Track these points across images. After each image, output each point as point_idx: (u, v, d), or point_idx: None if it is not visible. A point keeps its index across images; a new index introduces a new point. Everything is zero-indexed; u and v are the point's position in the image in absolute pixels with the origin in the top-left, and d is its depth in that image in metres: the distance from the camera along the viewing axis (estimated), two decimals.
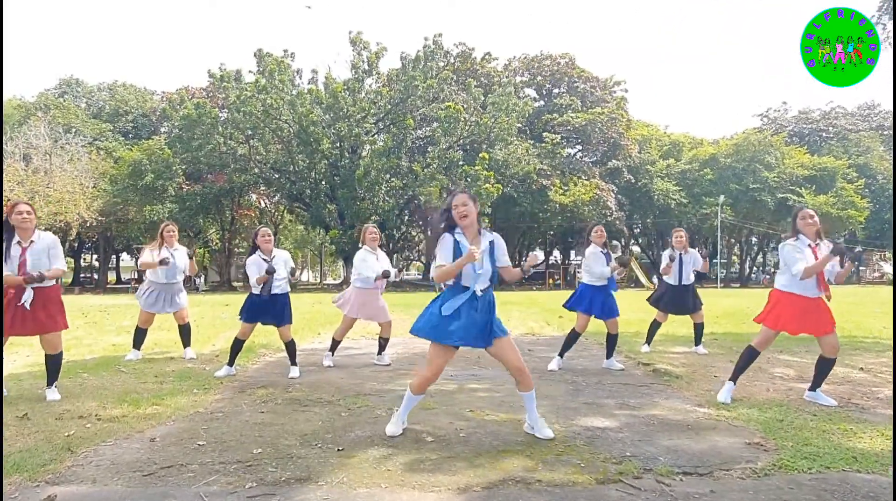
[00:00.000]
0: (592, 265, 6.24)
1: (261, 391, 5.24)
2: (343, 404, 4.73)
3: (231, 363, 5.99)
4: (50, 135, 39.41)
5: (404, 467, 3.26)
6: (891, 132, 54.72)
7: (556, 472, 3.16)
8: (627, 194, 47.39)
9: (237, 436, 3.81)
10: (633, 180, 46.59)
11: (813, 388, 4.82)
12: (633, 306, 17.49)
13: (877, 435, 3.79)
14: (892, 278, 37.72)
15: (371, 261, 6.48)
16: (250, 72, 38.09)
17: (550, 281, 46.30)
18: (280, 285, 5.83)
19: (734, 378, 4.87)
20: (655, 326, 7.69)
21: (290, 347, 5.99)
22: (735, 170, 46.85)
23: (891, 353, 7.47)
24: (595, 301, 6.20)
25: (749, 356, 4.83)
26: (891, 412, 4.42)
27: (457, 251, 3.65)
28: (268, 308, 5.79)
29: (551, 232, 46.95)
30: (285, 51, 38.08)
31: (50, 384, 4.92)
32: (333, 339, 6.75)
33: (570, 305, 6.44)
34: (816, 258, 4.47)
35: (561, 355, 6.43)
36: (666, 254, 7.60)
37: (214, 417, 4.33)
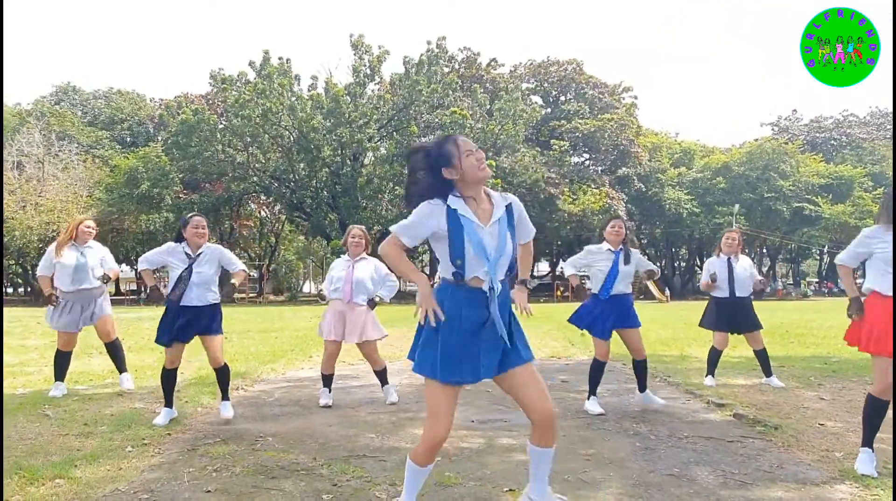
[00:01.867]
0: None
1: (219, 448, 3.86)
2: (326, 474, 3.36)
3: (169, 404, 4.62)
4: (44, 142, 38.32)
5: None
6: None
7: None
8: (637, 202, 46.05)
9: None
10: (644, 189, 45.25)
11: None
12: (658, 320, 16.08)
13: None
14: (893, 290, 36.27)
15: (339, 269, 5.18)
16: (248, 79, 36.93)
17: (558, 293, 44.84)
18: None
19: (868, 442, 3.49)
20: (715, 353, 6.27)
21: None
22: (749, 178, 45.50)
23: None
24: (606, 315, 4.87)
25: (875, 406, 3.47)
26: None
27: (455, 226, 2.33)
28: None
29: (559, 242, 45.56)
30: (280, 58, 36.78)
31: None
32: (322, 373, 5.36)
33: (573, 319, 5.16)
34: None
35: (594, 392, 5.06)
36: (708, 264, 6.25)
37: (157, 489, 2.96)
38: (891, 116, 60.95)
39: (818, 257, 64.78)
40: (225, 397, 4.69)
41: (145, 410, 4.96)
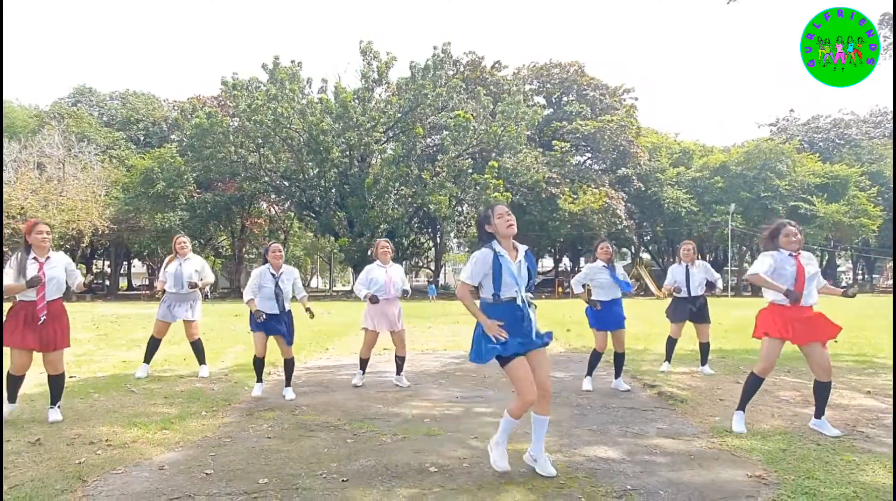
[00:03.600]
0: (595, 279, 6.38)
1: (268, 413, 5.31)
2: (349, 429, 4.78)
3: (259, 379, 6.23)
4: (63, 143, 39.89)
5: (403, 483, 3.30)
6: None
7: None
8: (637, 202, 47.29)
9: (244, 465, 3.87)
10: (643, 188, 46.49)
11: (817, 416, 4.81)
12: (642, 317, 17.46)
13: (879, 468, 3.79)
14: (892, 286, 37.32)
15: (377, 274, 6.58)
16: (259, 82, 38.37)
17: (560, 289, 46.22)
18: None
19: (742, 407, 4.87)
20: (671, 341, 7.74)
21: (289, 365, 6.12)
22: (746, 178, 46.66)
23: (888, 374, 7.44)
24: (603, 314, 6.29)
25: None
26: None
27: (496, 266, 3.68)
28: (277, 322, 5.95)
29: (560, 240, 46.89)
30: (293, 61, 38.38)
31: (53, 404, 5.02)
32: (360, 358, 6.81)
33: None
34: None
35: (590, 373, 6.52)
36: (670, 271, 7.68)
37: (222, 443, 4.39)
38: (890, 114, 61.77)
39: (818, 255, 65.85)
40: (288, 383, 6.12)
41: (205, 388, 6.41)
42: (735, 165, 47.43)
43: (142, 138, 47.35)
